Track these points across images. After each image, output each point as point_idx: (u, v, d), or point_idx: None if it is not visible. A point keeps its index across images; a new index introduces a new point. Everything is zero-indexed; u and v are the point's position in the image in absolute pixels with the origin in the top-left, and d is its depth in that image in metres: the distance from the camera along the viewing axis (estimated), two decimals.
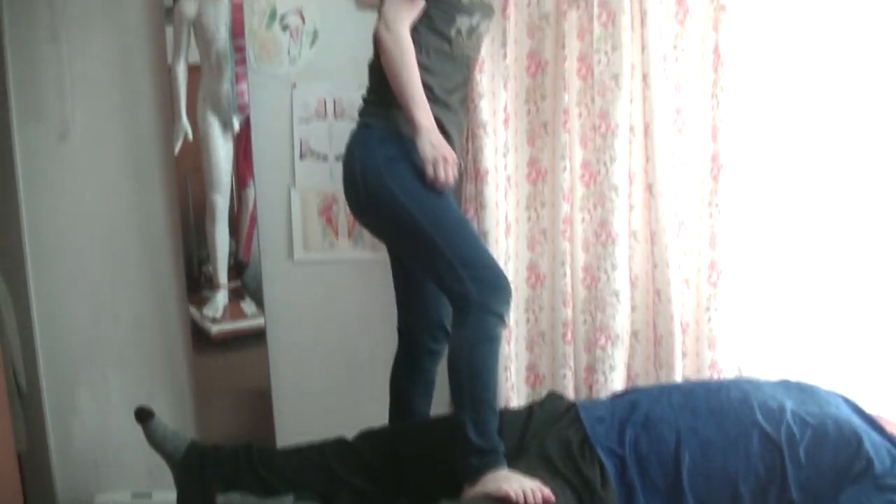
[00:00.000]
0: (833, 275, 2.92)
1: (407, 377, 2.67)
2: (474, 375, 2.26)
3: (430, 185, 2.31)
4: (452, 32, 2.41)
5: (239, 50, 2.91)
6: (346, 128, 2.86)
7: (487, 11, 2.52)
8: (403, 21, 2.29)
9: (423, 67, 2.34)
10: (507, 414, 2.52)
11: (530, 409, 2.63)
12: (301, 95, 2.94)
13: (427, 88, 2.34)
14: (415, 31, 2.33)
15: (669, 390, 2.59)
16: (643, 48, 2.79)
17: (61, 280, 3.05)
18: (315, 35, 2.93)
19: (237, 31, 2.90)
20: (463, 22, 2.42)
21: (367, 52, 2.85)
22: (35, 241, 3.04)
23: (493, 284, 2.30)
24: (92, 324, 3.07)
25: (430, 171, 2.29)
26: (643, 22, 2.78)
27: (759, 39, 2.86)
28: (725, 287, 2.84)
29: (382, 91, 2.37)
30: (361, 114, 2.49)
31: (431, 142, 2.28)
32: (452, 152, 2.33)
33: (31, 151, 3.01)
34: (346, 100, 2.93)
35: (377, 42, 2.33)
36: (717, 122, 2.81)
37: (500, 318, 2.31)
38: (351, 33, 2.90)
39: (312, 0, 2.91)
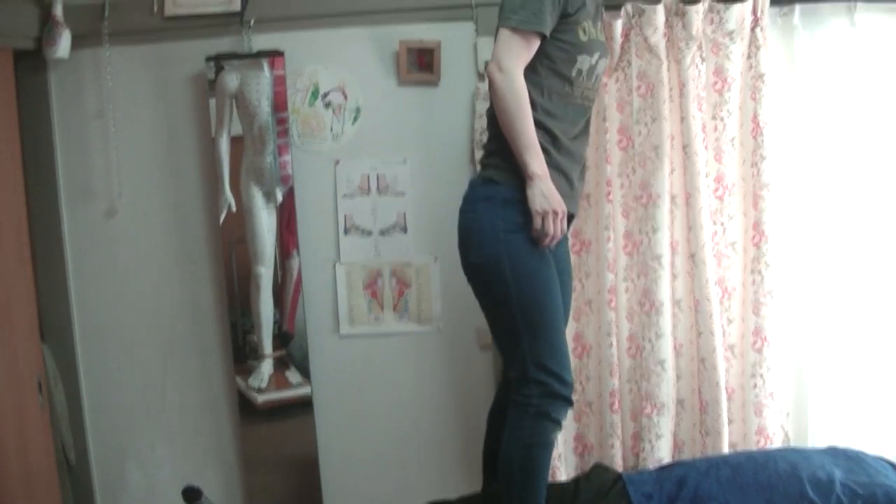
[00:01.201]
0: (879, 339, 2.93)
1: (501, 414, 2.58)
2: (525, 478, 2.27)
3: (535, 240, 2.24)
4: (574, 73, 2.31)
5: (281, 122, 2.95)
6: (389, 202, 2.97)
7: (605, 49, 2.45)
8: (518, 61, 2.19)
9: (545, 112, 2.27)
10: (553, 488, 2.52)
11: (577, 483, 2.64)
12: (344, 171, 2.98)
13: (549, 134, 2.28)
14: (535, 72, 2.26)
15: (717, 465, 2.60)
16: (682, 119, 2.82)
17: (109, 354, 3.09)
18: (358, 112, 2.97)
19: (279, 104, 2.94)
20: (584, 62, 2.31)
21: (409, 129, 2.92)
22: (83, 316, 3.08)
23: (557, 393, 2.28)
24: (139, 397, 3.10)
25: (537, 223, 2.20)
26: (682, 93, 2.82)
27: (798, 107, 2.89)
28: (770, 353, 2.85)
29: (500, 139, 2.27)
30: (484, 164, 2.39)
31: (543, 192, 2.20)
32: (563, 206, 2.23)
33: (78, 229, 3.06)
34: (390, 175, 2.97)
35: (489, 83, 2.23)
36: (757, 189, 2.83)
37: (558, 424, 2.31)
38: (393, 109, 2.95)
39: (355, 77, 2.96)
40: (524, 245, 2.25)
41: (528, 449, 2.26)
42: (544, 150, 2.27)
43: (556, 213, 2.21)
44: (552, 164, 2.28)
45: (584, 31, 2.31)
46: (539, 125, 2.26)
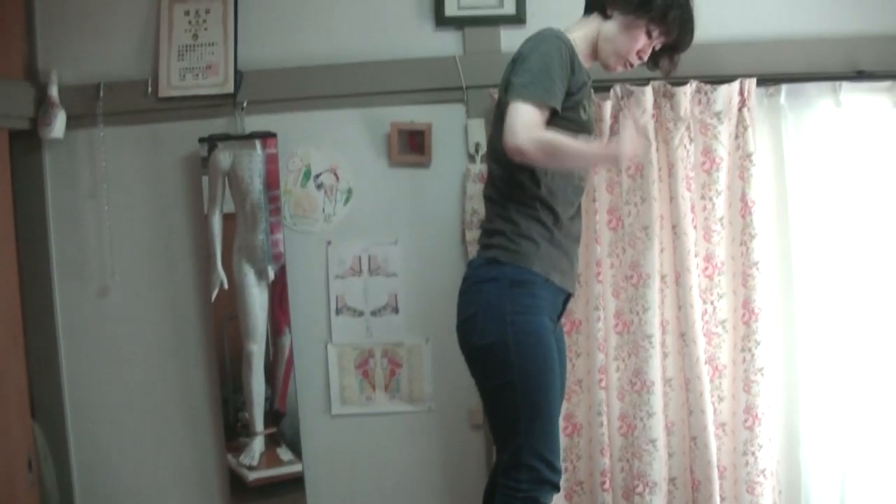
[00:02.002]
0: (871, 417, 2.93)
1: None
2: None
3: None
4: None
5: (273, 200, 2.97)
6: (381, 283, 2.98)
7: (595, 128, 2.51)
8: (535, 126, 2.17)
9: (548, 190, 2.29)
10: None
11: None
12: (336, 252, 3.00)
13: (552, 213, 2.30)
14: None
15: None
16: (671, 199, 2.85)
17: (100, 432, 3.08)
18: (349, 193, 3.00)
19: (271, 182, 2.96)
20: (584, 140, 2.33)
21: (401, 210, 2.95)
22: (74, 395, 3.08)
23: (546, 479, 2.26)
24: (130, 475, 3.09)
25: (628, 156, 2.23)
26: (671, 173, 2.85)
27: (786, 186, 2.92)
28: (762, 431, 2.85)
29: (504, 218, 2.29)
30: (486, 244, 2.35)
31: (607, 149, 2.33)
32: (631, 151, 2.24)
33: (71, 308, 3.07)
34: (381, 256, 2.99)
35: (522, 155, 2.16)
36: (747, 268, 2.85)
37: None
38: (384, 191, 2.98)
39: (346, 158, 2.99)
40: (531, 328, 2.25)
41: None
42: (546, 228, 2.29)
43: (628, 152, 2.22)
44: (554, 242, 2.31)
45: (585, 110, 2.35)
46: (543, 203, 2.29)
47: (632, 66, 2.44)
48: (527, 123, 2.16)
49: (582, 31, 2.40)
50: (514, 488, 2.26)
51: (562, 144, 2.17)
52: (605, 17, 2.38)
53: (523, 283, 2.25)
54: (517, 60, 2.28)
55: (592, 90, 2.79)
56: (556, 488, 2.32)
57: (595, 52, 2.42)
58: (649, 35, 2.36)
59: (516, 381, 2.22)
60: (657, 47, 2.43)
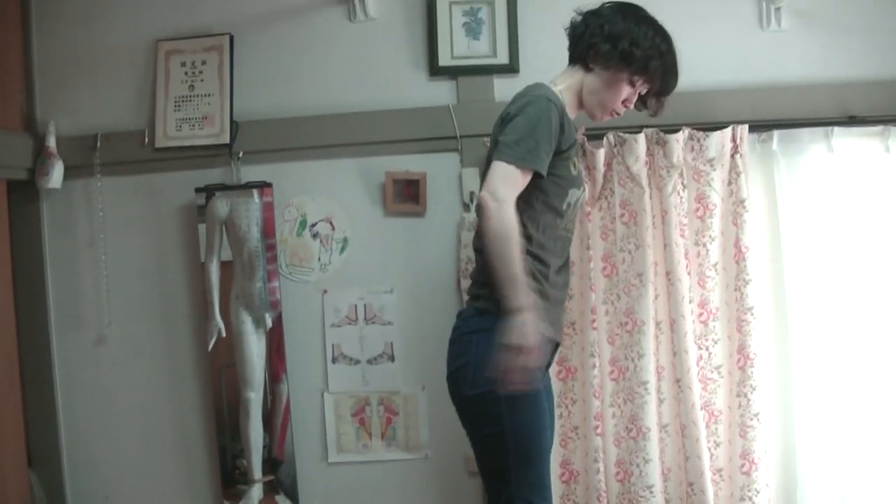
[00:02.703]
0: (871, 463, 2.92)
1: None
2: None
3: (494, 378, 2.11)
4: (564, 206, 2.32)
5: (271, 248, 2.99)
6: (377, 332, 2.99)
7: (583, 182, 2.49)
8: (512, 192, 2.15)
9: (539, 245, 2.27)
10: None
11: None
12: (332, 301, 3.01)
13: (544, 265, 2.28)
14: (531, 207, 2.25)
15: None
16: (665, 245, 2.86)
17: (97, 482, 3.08)
18: (345, 242, 3.01)
19: (268, 230, 2.98)
20: (574, 195, 2.34)
21: (396, 259, 2.97)
22: (71, 443, 3.09)
23: None
24: None
25: (506, 359, 2.08)
26: (664, 220, 2.86)
27: (780, 231, 2.94)
28: (759, 476, 2.85)
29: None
30: (475, 294, 2.34)
31: (526, 325, 2.08)
32: (536, 343, 2.09)
33: (68, 356, 3.09)
34: (377, 305, 3.00)
35: (481, 211, 2.15)
36: (741, 313, 2.86)
37: None
38: (380, 240, 3.00)
39: (342, 208, 3.01)
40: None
41: None
42: (536, 280, 2.28)
43: (528, 355, 2.09)
44: (543, 293, 2.30)
45: (574, 165, 2.35)
46: (535, 258, 2.28)
47: (618, 114, 2.45)
48: (506, 186, 2.16)
49: (566, 83, 2.40)
50: None
51: (508, 242, 2.10)
52: (588, 70, 2.38)
53: None
54: (505, 120, 2.27)
55: (586, 138, 2.84)
56: None
57: (580, 103, 2.42)
58: (632, 84, 2.37)
59: (507, 431, 2.21)
60: (643, 92, 2.44)
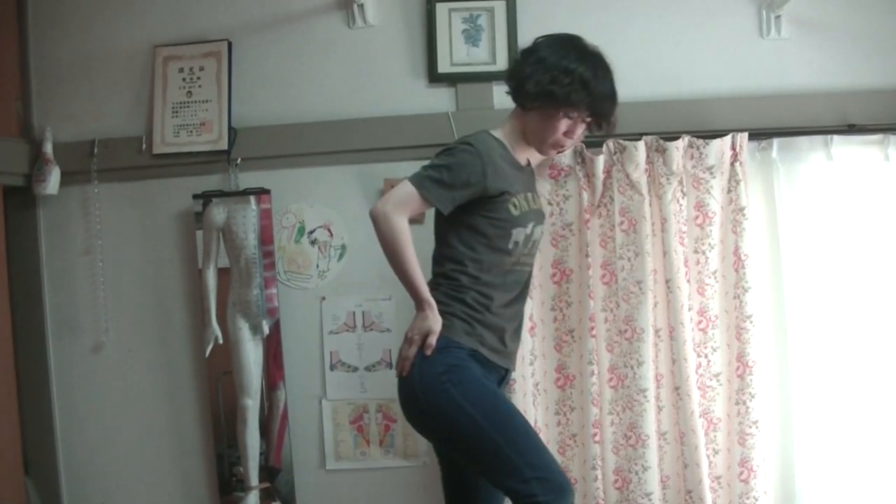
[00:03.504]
0: (871, 469, 2.92)
1: None
2: None
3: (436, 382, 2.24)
4: (511, 245, 2.34)
5: (268, 255, 2.98)
6: (375, 339, 2.99)
7: (539, 217, 2.47)
8: (401, 209, 2.26)
9: (486, 284, 2.30)
10: None
11: None
12: (330, 308, 3.01)
13: (488, 298, 2.31)
14: (473, 250, 2.31)
15: None
16: (665, 253, 2.86)
17: (93, 489, 3.07)
18: (343, 249, 3.01)
19: (266, 237, 2.98)
20: (519, 233, 2.35)
21: None
22: (68, 451, 3.08)
23: (559, 485, 2.23)
24: None
25: (404, 347, 2.27)
26: (664, 227, 2.86)
27: (779, 239, 2.93)
28: (757, 484, 2.84)
29: (433, 294, 2.30)
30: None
31: (428, 319, 2.25)
32: (433, 345, 2.24)
33: (65, 364, 3.08)
34: (375, 312, 3.00)
35: (372, 220, 2.28)
36: (740, 321, 2.85)
37: None
38: (378, 247, 2.93)
39: (340, 215, 3.01)
40: (465, 377, 2.26)
41: None
42: (474, 309, 2.30)
43: (409, 342, 2.26)
44: (484, 321, 2.32)
45: (516, 205, 2.35)
46: (478, 293, 2.31)
47: (563, 148, 2.47)
48: (396, 201, 2.27)
49: (510, 125, 2.44)
50: (535, 503, 2.22)
51: (396, 248, 2.26)
52: (525, 109, 2.40)
53: (449, 349, 2.27)
54: (437, 153, 2.36)
55: (585, 145, 2.82)
56: (571, 491, 2.28)
57: (527, 141, 2.44)
58: (568, 117, 2.37)
59: (481, 422, 2.22)
60: (586, 120, 2.41)
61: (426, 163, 2.33)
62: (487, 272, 2.32)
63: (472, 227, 2.32)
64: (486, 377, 2.34)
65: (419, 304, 2.28)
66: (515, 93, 2.41)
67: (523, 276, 2.43)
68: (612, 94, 2.40)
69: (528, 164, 2.51)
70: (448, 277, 2.33)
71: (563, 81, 2.31)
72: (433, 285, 2.33)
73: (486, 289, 2.32)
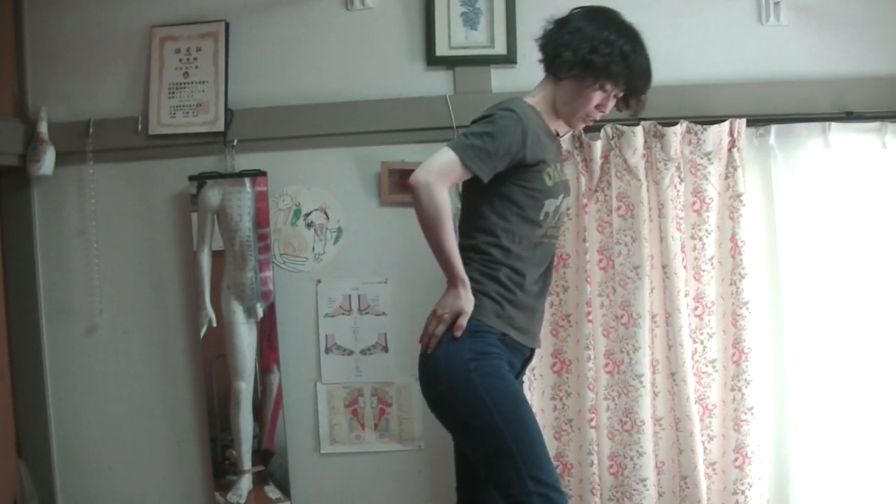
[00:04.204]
0: (864, 455, 2.93)
1: None
2: None
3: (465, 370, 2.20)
4: (542, 217, 2.31)
5: (262, 238, 2.97)
6: (370, 322, 2.98)
7: (567, 189, 2.45)
8: (443, 179, 2.19)
9: (517, 256, 2.27)
10: None
11: None
12: (326, 291, 3.00)
13: (520, 275, 2.28)
14: (505, 220, 2.27)
15: None
16: (661, 239, 2.85)
17: (87, 471, 3.06)
18: (339, 232, 3.00)
19: (260, 220, 2.96)
20: (551, 204, 2.32)
21: (391, 249, 2.96)
22: (61, 433, 3.06)
23: (556, 501, 2.21)
24: None
25: (433, 323, 2.23)
26: (661, 213, 2.86)
27: (776, 226, 2.93)
28: (752, 470, 2.85)
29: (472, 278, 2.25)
30: None
31: (461, 297, 2.20)
32: (464, 326, 2.20)
33: (58, 345, 3.06)
34: (371, 295, 2.99)
35: (411, 190, 2.20)
36: (736, 307, 2.86)
37: None
38: (374, 230, 2.99)
39: (336, 198, 3.00)
40: (492, 370, 2.23)
41: None
42: (508, 289, 2.28)
43: (438, 319, 2.23)
44: (515, 302, 2.29)
45: (549, 176, 2.33)
46: (512, 268, 2.28)
47: (595, 120, 2.44)
48: (438, 169, 2.19)
49: (540, 95, 2.41)
50: None
51: (436, 222, 2.18)
52: (558, 80, 2.37)
53: (480, 334, 2.24)
54: (476, 120, 2.30)
55: (583, 130, 2.82)
56: None
57: (557, 113, 2.42)
58: (602, 89, 2.34)
59: (497, 421, 2.19)
60: (618, 95, 2.41)
61: (466, 132, 2.25)
62: (518, 244, 2.28)
63: (506, 196, 2.28)
64: (513, 360, 2.32)
65: (453, 280, 2.22)
66: (550, 61, 2.37)
67: (550, 250, 2.41)
68: (648, 71, 2.39)
69: (557, 134, 2.48)
70: (480, 251, 2.28)
71: (604, 51, 2.28)
72: (465, 260, 2.26)
73: (518, 263, 2.28)
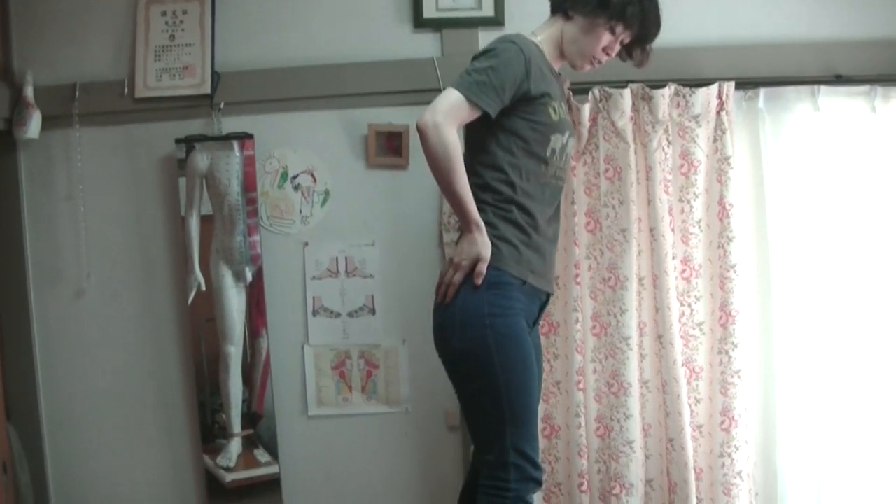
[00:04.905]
0: (849, 417, 2.94)
1: (472, 496, 2.50)
2: None
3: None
4: (548, 153, 2.30)
5: (251, 202, 2.96)
6: (358, 285, 2.99)
7: (571, 128, 2.44)
8: (451, 119, 2.16)
9: (524, 193, 2.26)
10: None
11: None
12: (313, 254, 2.99)
13: (529, 215, 2.27)
14: (511, 154, 2.26)
15: None
16: (649, 201, 2.85)
17: (76, 435, 3.06)
18: (327, 195, 2.99)
19: (249, 184, 2.95)
20: (557, 140, 2.31)
21: (378, 212, 2.95)
22: (50, 397, 3.06)
23: (532, 476, 2.25)
24: (106, 476, 3.07)
25: (453, 273, 2.20)
26: (648, 176, 2.85)
27: (764, 189, 2.93)
28: (738, 433, 2.85)
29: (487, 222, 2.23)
30: None
31: (478, 241, 2.18)
32: (483, 273, 2.18)
33: (46, 310, 3.05)
34: (358, 258, 2.98)
35: (420, 133, 2.17)
36: (724, 270, 2.85)
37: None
38: (362, 193, 2.98)
39: (324, 160, 2.99)
40: (510, 331, 2.22)
41: None
42: (523, 231, 2.27)
43: (457, 267, 2.20)
44: (531, 244, 2.28)
45: (554, 110, 2.32)
46: (521, 208, 2.27)
47: (600, 63, 2.43)
48: (446, 110, 2.16)
49: (546, 33, 2.40)
50: (503, 488, 2.23)
51: (448, 164, 2.15)
52: (567, 18, 2.37)
53: (500, 286, 2.22)
54: (476, 56, 2.29)
55: (571, 92, 2.81)
56: (540, 484, 2.31)
57: (562, 53, 2.41)
58: (612, 32, 2.35)
59: (500, 384, 2.20)
60: (625, 41, 2.41)
61: (466, 70, 2.23)
62: (526, 181, 2.27)
63: (512, 130, 2.27)
64: (531, 308, 2.32)
65: (467, 224, 2.19)
66: None
67: (558, 192, 2.40)
68: (658, 20, 2.40)
69: (559, 74, 2.47)
70: (491, 190, 2.26)
71: None
72: (477, 205, 2.23)
73: (527, 201, 2.27)
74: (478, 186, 2.26)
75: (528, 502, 2.27)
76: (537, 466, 2.27)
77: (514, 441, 2.22)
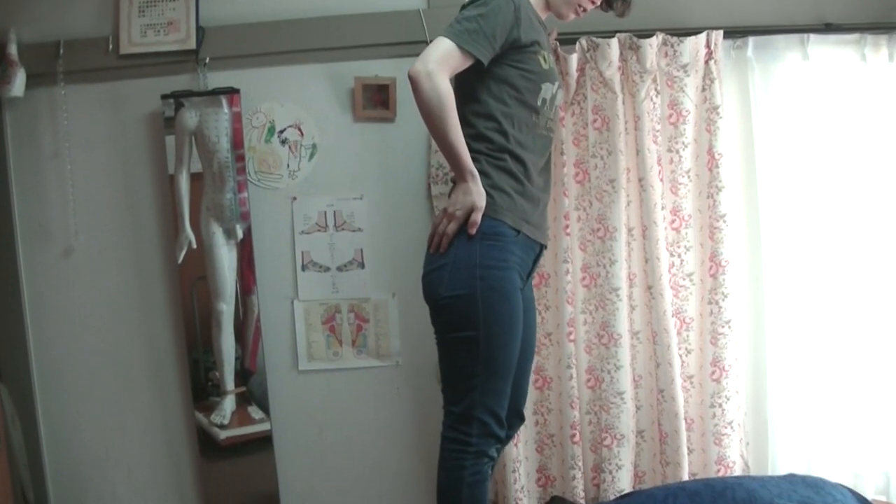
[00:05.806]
0: (838, 367, 2.95)
1: None
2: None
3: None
4: (539, 102, 2.29)
5: (241, 159, 2.94)
6: (346, 239, 2.98)
7: (559, 79, 2.43)
8: (444, 68, 2.14)
9: (517, 142, 2.25)
10: None
11: None
12: (301, 208, 2.98)
13: (522, 164, 2.26)
14: (503, 103, 2.25)
15: (675, 493, 2.60)
16: (638, 152, 2.84)
17: (67, 393, 3.06)
18: (314, 149, 2.98)
19: (238, 141, 2.93)
20: (547, 90, 2.31)
21: (366, 165, 2.93)
22: (41, 356, 3.05)
23: (495, 433, 2.25)
24: (99, 436, 3.07)
25: (447, 222, 2.19)
26: (637, 126, 2.84)
27: (753, 138, 2.92)
28: (729, 383, 2.86)
29: (482, 171, 2.22)
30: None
31: (471, 192, 2.17)
32: (478, 222, 2.18)
33: (35, 269, 3.04)
34: (346, 211, 2.97)
35: (412, 83, 2.15)
36: (713, 220, 2.85)
37: (493, 460, 2.29)
38: (349, 146, 2.96)
39: (310, 114, 2.97)
40: (500, 284, 2.20)
41: (472, 487, 2.23)
42: (517, 180, 2.26)
43: (462, 217, 2.19)
44: (525, 194, 2.28)
45: (544, 59, 2.31)
46: (512, 155, 2.25)
47: (584, 11, 2.43)
48: (438, 58, 2.15)
49: None
50: (464, 442, 2.24)
51: (444, 114, 2.13)
52: None
53: (495, 236, 2.21)
54: (465, 5, 2.27)
55: (559, 43, 2.80)
56: (502, 442, 2.32)
57: (548, 3, 2.41)
58: None
59: (481, 336, 2.19)
60: None
61: (455, 19, 2.22)
62: (518, 130, 2.26)
63: (503, 78, 2.25)
64: (525, 260, 2.30)
65: (461, 173, 2.18)
66: None
67: (549, 143, 2.39)
68: None
69: (545, 26, 2.45)
70: (485, 139, 2.25)
71: None
72: (471, 155, 2.22)
73: (519, 150, 2.26)
74: (471, 136, 2.25)
75: (491, 456, 2.28)
76: (502, 424, 2.26)
77: (482, 397, 2.21)
